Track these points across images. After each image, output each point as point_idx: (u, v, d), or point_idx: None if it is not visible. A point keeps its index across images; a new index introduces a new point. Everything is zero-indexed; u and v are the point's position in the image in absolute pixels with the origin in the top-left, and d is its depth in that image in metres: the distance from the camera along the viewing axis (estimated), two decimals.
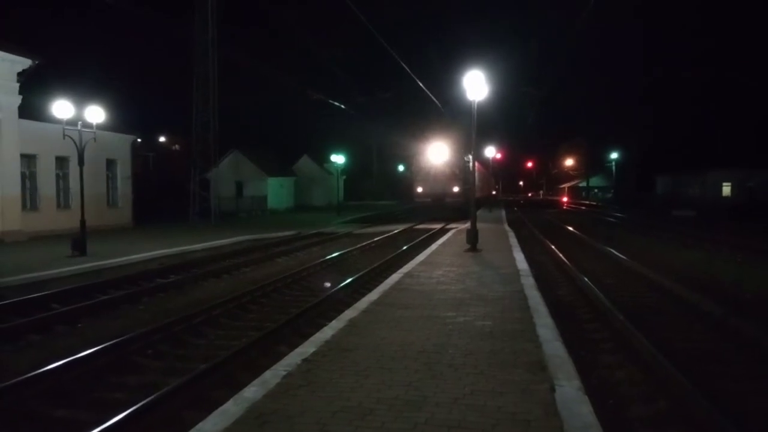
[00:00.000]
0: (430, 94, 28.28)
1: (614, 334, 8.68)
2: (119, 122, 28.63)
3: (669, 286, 12.24)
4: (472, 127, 15.86)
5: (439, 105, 33.12)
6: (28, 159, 23.30)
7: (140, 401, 5.78)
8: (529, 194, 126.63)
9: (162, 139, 67.72)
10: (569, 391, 4.89)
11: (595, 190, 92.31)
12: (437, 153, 39.39)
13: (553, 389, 4.93)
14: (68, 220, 22.27)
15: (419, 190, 41.42)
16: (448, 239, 19.38)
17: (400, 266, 13.14)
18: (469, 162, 34.91)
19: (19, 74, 21.49)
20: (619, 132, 74.78)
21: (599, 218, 42.02)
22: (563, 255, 17.33)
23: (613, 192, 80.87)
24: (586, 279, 12.80)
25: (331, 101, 34.35)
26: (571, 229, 29.66)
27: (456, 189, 39.54)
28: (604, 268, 15.76)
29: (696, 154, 58.86)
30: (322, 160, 64.10)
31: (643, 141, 69.93)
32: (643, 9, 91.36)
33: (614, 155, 75.23)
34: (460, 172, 39.93)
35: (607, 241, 21.54)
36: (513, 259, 13.86)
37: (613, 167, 76.07)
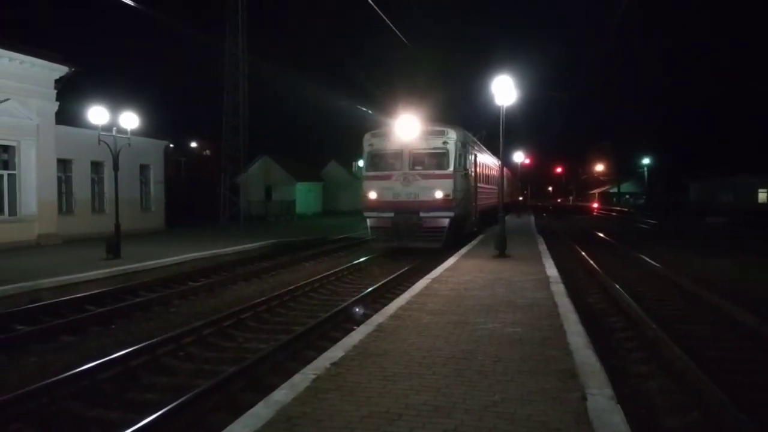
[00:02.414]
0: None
1: (646, 343, 8.52)
2: (152, 128, 29.15)
3: (701, 295, 11.97)
4: (501, 133, 15.76)
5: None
6: (64, 164, 23.87)
7: (171, 403, 5.86)
8: (558, 200, 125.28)
9: (193, 144, 68.70)
10: (601, 400, 4.81)
11: (627, 196, 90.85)
12: (407, 128, 18.54)
13: (584, 398, 4.85)
14: (103, 224, 22.72)
15: (371, 196, 19.24)
16: (475, 245, 19.26)
17: (428, 271, 13.09)
18: (470, 145, 20.90)
19: (57, 81, 22.06)
20: (650, 137, 73.68)
21: (631, 225, 41.33)
22: (594, 262, 17.08)
23: (645, 198, 79.49)
24: (617, 286, 12.60)
25: (358, 106, 34.41)
26: (601, 235, 29.25)
27: (440, 194, 18.39)
28: (636, 275, 15.49)
29: (730, 159, 57.57)
30: (350, 165, 64.31)
31: (675, 146, 68.73)
32: (672, 12, 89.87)
33: (646, 161, 74.04)
34: (456, 165, 18.82)
35: (638, 248, 21.16)
36: (542, 266, 13.71)
37: (645, 173, 74.85)
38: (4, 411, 5.82)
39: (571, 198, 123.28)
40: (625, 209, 73.12)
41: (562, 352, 6.23)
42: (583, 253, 19.47)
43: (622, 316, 10.42)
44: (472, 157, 21.18)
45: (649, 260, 17.60)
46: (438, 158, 18.64)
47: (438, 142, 18.57)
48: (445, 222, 18.16)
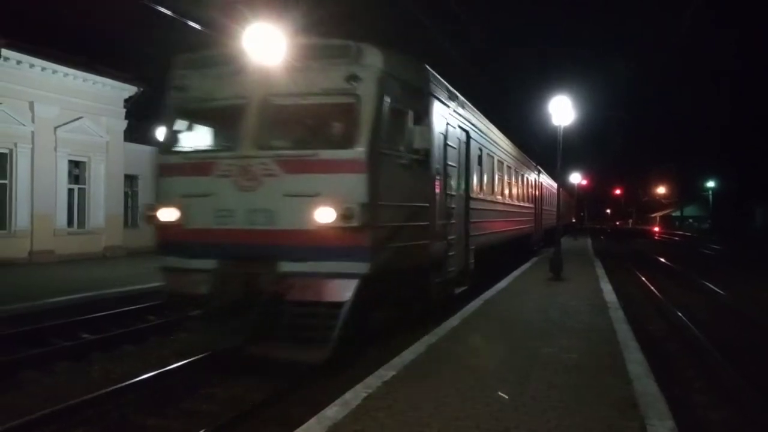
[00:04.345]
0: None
1: (709, 373, 8.17)
2: None
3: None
4: (558, 153, 15.55)
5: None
6: (130, 179, 24.89)
7: (226, 414, 5.98)
8: (617, 223, 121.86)
9: None
10: (661, 431, 4.64)
11: (690, 220, 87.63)
12: (263, 46, 6.79)
13: (644, 429, 4.69)
14: None
15: (166, 216, 7.81)
16: (529, 267, 18.93)
17: (480, 293, 12.94)
18: (443, 101, 9.76)
19: (126, 100, 23.16)
20: (715, 159, 71.03)
21: (694, 250, 39.78)
22: (655, 288, 16.53)
23: (709, 222, 76.49)
24: (679, 314, 12.16)
25: None
26: (663, 260, 28.28)
27: (331, 213, 6.86)
28: (699, 303, 14.87)
29: None
30: None
31: (742, 169, 65.95)
32: (741, 29, 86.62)
33: (711, 183, 71.42)
34: (384, 135, 7.42)
35: (702, 275, 20.32)
36: (600, 290, 13.35)
37: (710, 196, 72.13)
38: (71, 416, 6.07)
39: (630, 221, 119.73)
40: (688, 234, 70.47)
41: (621, 381, 6.04)
42: (644, 279, 18.87)
43: (684, 345, 10.03)
44: (452, 131, 10.28)
45: (714, 287, 16.89)
46: (333, 117, 8.15)
47: (335, 78, 7.42)
48: (347, 290, 7.06)
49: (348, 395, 5.49)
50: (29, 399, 6.74)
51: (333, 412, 5.03)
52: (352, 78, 7.30)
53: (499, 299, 11.75)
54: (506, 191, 16.91)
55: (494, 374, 6.23)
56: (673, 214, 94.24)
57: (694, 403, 7.06)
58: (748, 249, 39.41)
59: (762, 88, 69.16)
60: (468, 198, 11.76)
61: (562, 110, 15.08)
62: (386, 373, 6.24)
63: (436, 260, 9.46)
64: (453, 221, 10.31)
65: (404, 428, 4.68)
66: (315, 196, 7.02)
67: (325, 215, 6.91)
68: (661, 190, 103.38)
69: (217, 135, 8.79)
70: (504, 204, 16.36)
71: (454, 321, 9.29)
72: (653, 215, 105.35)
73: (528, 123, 34.68)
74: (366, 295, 7.15)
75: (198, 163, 7.87)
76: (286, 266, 7.16)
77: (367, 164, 7.16)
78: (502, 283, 14.31)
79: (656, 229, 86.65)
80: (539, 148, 32.79)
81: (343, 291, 7.01)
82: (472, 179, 12.17)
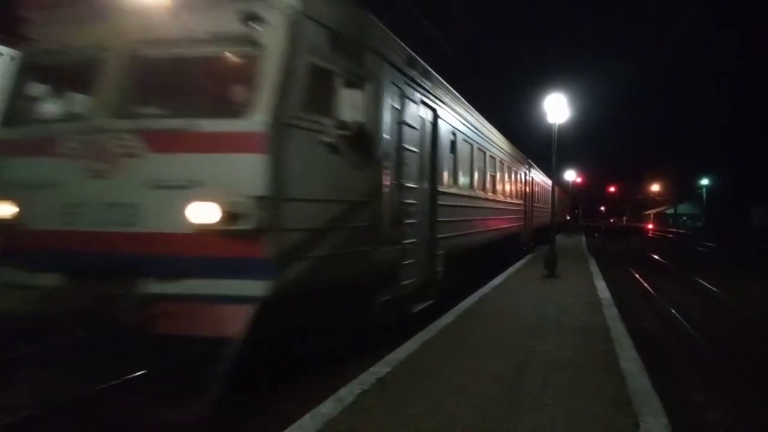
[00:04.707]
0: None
1: (703, 370, 8.21)
2: None
3: (763, 322, 11.47)
4: (554, 150, 15.58)
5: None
6: None
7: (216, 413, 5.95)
8: (611, 220, 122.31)
9: None
10: (655, 428, 4.66)
11: (684, 218, 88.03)
12: None
13: (637, 426, 4.71)
14: None
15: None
16: (523, 264, 18.96)
17: (474, 290, 12.96)
18: (396, 66, 7.54)
19: None
20: (711, 157, 71.34)
21: (688, 248, 39.97)
22: (649, 285, 16.60)
23: (703, 220, 76.87)
24: (673, 311, 12.22)
25: None
26: (656, 257, 28.41)
27: (215, 208, 4.91)
28: (693, 300, 14.93)
29: None
30: None
31: (738, 167, 66.24)
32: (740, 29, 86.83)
33: (705, 181, 71.75)
34: (297, 99, 5.36)
35: (696, 272, 20.41)
36: (594, 288, 13.38)
37: (704, 194, 72.46)
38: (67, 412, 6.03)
39: (624, 218, 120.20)
40: (682, 231, 70.81)
41: (615, 378, 6.05)
42: (637, 276, 18.94)
43: (678, 342, 10.07)
44: (411, 106, 8.29)
45: (708, 285, 16.97)
46: (224, 74, 6.01)
47: (228, 19, 5.26)
48: (236, 321, 5.00)
49: (342, 392, 5.49)
50: None
51: (327, 408, 5.02)
52: (253, 18, 5.23)
53: (494, 296, 11.76)
54: (488, 185, 14.64)
55: (489, 372, 6.23)
56: (667, 212, 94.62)
57: (688, 400, 7.08)
58: (743, 247, 39.64)
59: (762, 88, 69.09)
60: (435, 192, 9.58)
61: (557, 108, 15.13)
62: (381, 369, 6.25)
63: (384, 271, 7.38)
64: (411, 221, 8.30)
65: (400, 425, 4.68)
66: (193, 186, 5.07)
67: (204, 213, 4.98)
68: (655, 187, 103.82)
69: (70, 100, 6.46)
70: (485, 200, 14.15)
71: (447, 318, 9.30)
72: (647, 212, 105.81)
73: (524, 119, 34.77)
74: (270, 325, 5.16)
75: (37, 139, 5.76)
76: (152, 285, 5.24)
77: (268, 140, 5.11)
78: (496, 281, 14.33)
79: (650, 226, 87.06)
80: (536, 146, 32.88)
81: (230, 322, 4.97)
82: (442, 169, 10.03)
